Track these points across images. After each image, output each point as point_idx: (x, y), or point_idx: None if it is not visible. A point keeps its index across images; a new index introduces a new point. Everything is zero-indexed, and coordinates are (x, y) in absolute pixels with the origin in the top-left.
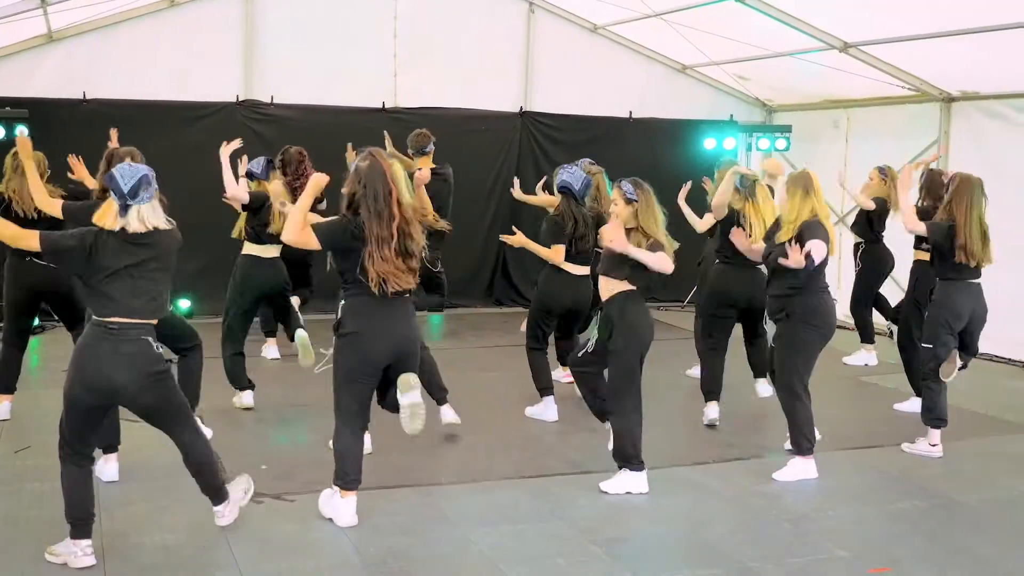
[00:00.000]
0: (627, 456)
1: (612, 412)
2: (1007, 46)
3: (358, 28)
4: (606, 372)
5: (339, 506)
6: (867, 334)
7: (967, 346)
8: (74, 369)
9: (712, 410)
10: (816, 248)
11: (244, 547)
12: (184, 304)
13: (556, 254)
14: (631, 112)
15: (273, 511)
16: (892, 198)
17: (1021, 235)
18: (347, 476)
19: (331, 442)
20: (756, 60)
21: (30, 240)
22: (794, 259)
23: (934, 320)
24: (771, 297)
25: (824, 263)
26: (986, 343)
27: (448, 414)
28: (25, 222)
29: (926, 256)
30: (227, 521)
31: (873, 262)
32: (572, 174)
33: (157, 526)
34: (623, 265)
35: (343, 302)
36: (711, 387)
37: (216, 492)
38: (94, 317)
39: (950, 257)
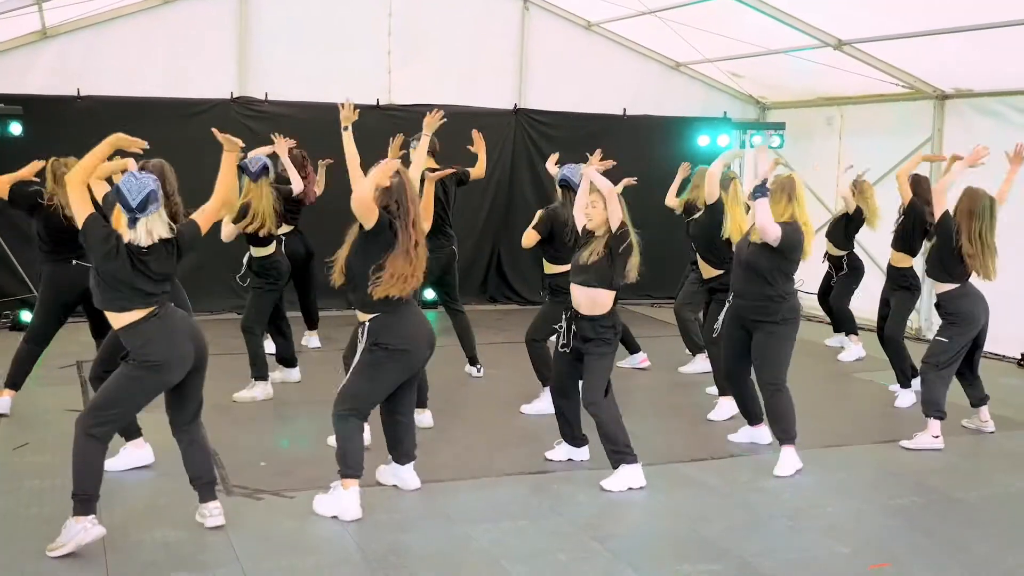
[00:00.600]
0: (621, 450)
1: (596, 404)
2: (1001, 44)
3: (352, 25)
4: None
5: (344, 498)
6: (852, 326)
7: (977, 347)
8: (156, 356)
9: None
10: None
11: (245, 544)
12: None
13: (527, 239)
14: (625, 109)
15: (273, 508)
16: (865, 208)
17: (1016, 234)
18: (351, 465)
19: (331, 439)
20: (750, 57)
21: (82, 205)
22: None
23: (953, 326)
24: (758, 300)
25: (793, 264)
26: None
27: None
28: (62, 231)
29: (906, 260)
30: (215, 522)
31: (857, 269)
32: (572, 170)
33: (158, 522)
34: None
35: (369, 322)
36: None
37: (207, 487)
38: (129, 320)
39: (948, 251)
